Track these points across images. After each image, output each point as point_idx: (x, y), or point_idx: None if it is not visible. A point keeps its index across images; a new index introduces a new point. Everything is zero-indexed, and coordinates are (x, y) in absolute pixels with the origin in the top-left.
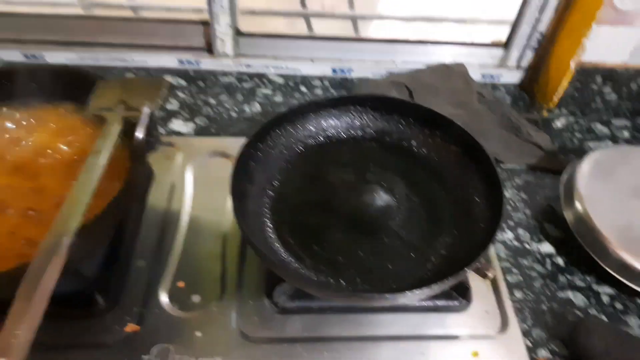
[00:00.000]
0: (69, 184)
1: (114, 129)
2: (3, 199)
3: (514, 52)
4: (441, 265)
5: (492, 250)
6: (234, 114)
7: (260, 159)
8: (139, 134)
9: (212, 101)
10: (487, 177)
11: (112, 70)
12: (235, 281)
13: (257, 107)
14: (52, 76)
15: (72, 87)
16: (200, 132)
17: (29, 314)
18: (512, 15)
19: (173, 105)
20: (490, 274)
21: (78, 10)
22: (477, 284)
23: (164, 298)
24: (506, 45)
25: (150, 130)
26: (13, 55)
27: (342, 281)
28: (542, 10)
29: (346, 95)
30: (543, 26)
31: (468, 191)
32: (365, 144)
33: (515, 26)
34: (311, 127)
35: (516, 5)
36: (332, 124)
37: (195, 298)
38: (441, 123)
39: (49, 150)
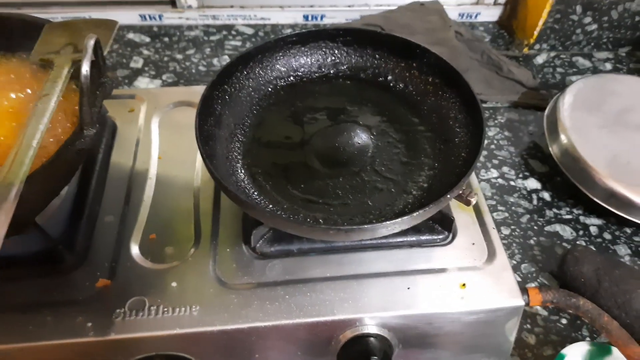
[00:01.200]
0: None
1: (62, 72)
2: None
3: None
4: (422, 198)
5: (476, 182)
6: (202, 68)
7: (227, 102)
8: (85, 67)
9: (179, 56)
10: (466, 105)
11: None
12: (210, 231)
13: (226, 60)
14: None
15: (20, 35)
16: None
17: None
18: None
19: (137, 63)
20: (473, 200)
21: None
22: (461, 217)
23: (135, 251)
24: None
25: (101, 67)
26: None
27: (320, 220)
28: None
29: (315, 29)
30: None
31: (448, 122)
32: (339, 82)
33: None
34: (280, 67)
35: None
36: (303, 63)
37: (169, 250)
38: (417, 53)
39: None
